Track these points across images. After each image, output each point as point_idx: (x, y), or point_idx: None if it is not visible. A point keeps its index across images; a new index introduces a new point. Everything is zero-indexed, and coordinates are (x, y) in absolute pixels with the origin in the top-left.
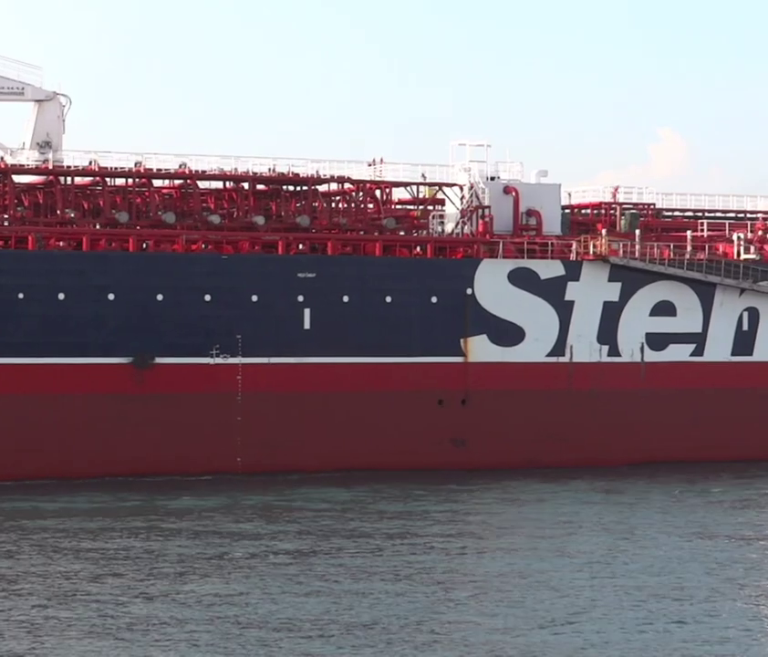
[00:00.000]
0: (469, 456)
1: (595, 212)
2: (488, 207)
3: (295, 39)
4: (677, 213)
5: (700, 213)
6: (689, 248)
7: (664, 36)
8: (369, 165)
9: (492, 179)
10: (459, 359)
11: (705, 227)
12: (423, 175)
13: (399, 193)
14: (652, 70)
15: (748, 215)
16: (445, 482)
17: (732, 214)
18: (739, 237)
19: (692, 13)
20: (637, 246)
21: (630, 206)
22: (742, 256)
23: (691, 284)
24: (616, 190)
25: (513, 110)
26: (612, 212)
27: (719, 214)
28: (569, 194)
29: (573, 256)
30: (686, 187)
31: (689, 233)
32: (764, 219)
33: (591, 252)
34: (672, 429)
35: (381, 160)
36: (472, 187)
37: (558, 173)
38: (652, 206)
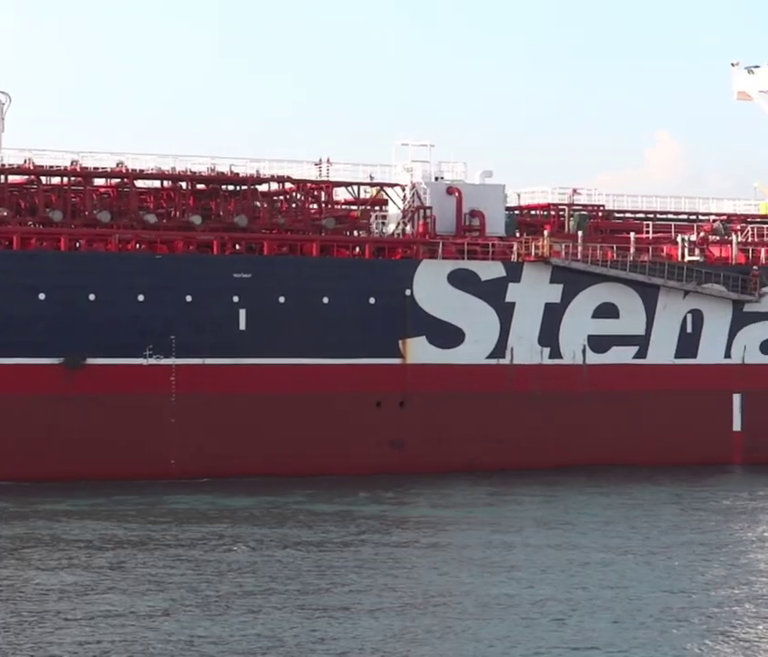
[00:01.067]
0: (407, 459)
1: (543, 213)
2: (429, 208)
3: (241, 38)
4: (628, 215)
5: (651, 215)
6: (632, 250)
7: (656, 40)
8: (316, 165)
9: (437, 179)
10: (397, 361)
11: (651, 229)
12: (371, 176)
13: (345, 194)
14: (650, 73)
15: (700, 217)
16: (382, 485)
17: (685, 216)
18: (683, 239)
19: (687, 16)
20: (579, 248)
21: (579, 208)
22: (687, 258)
23: (635, 286)
24: (573, 191)
25: (460, 110)
26: (561, 213)
27: (670, 216)
28: (518, 195)
29: (514, 258)
30: (681, 191)
31: (632, 234)
32: (712, 221)
33: (532, 253)
34: (615, 431)
35: (328, 160)
36: (413, 187)
37: (517, 174)
38: (602, 208)
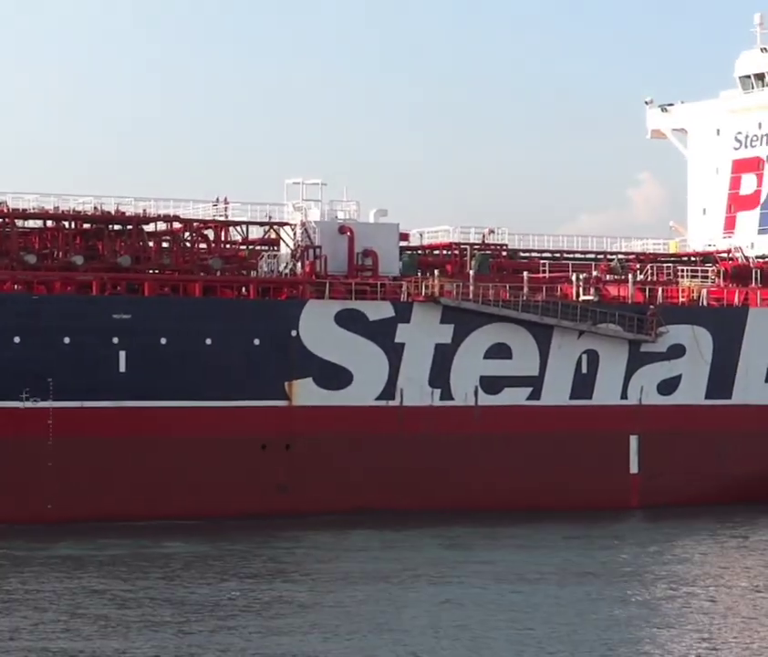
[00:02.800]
0: (294, 502)
1: (445, 253)
2: (319, 247)
3: (137, 75)
4: (534, 255)
5: (558, 254)
6: (525, 289)
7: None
8: (214, 205)
9: (335, 218)
10: (283, 403)
11: (547, 268)
12: (269, 216)
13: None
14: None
15: (608, 256)
16: (267, 530)
17: (593, 255)
18: (578, 278)
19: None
20: (470, 287)
21: (481, 247)
22: (581, 298)
23: (528, 326)
24: (487, 232)
25: (354, 150)
26: (464, 253)
27: (578, 255)
28: (421, 235)
29: (404, 297)
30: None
31: (525, 274)
32: (608, 260)
33: (422, 293)
34: (509, 475)
35: (225, 199)
36: (303, 226)
37: (430, 215)
38: (505, 247)
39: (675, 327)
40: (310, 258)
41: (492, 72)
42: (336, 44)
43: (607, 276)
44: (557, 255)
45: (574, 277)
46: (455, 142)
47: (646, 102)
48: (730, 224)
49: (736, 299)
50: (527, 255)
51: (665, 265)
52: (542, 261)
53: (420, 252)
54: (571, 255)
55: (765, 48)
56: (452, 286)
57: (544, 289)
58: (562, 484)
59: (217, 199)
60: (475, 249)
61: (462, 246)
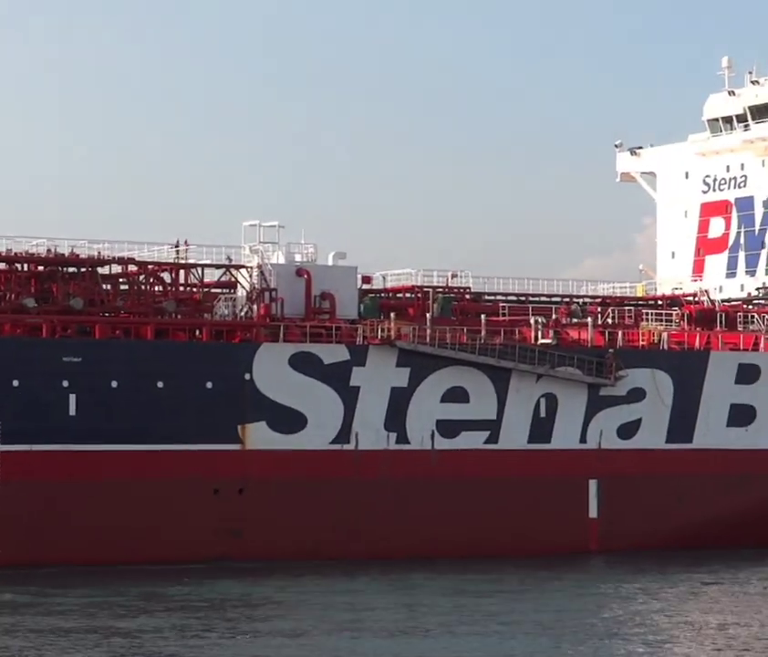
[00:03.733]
0: (247, 548)
1: (408, 296)
2: (274, 289)
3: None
4: (499, 298)
5: (523, 298)
6: (483, 332)
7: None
8: (174, 247)
9: (292, 261)
10: (236, 447)
11: (507, 311)
12: (229, 258)
13: (207, 276)
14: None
15: (574, 299)
16: (217, 575)
17: (558, 298)
18: (536, 321)
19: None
20: (427, 330)
21: (444, 290)
22: (540, 341)
23: (485, 369)
24: (450, 275)
25: (313, 192)
26: (427, 296)
27: (543, 298)
28: (384, 278)
29: (359, 341)
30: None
31: (482, 316)
32: (567, 303)
33: (378, 336)
34: (466, 520)
35: (186, 242)
36: (260, 269)
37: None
38: (468, 290)
39: (635, 370)
40: (266, 301)
41: (461, 111)
42: (304, 83)
43: (568, 320)
44: (523, 298)
45: (532, 321)
46: (421, 184)
47: (616, 146)
48: (698, 268)
49: (697, 343)
50: (493, 297)
51: (627, 308)
52: (501, 304)
53: (382, 295)
54: (536, 299)
55: (733, 92)
56: (409, 329)
57: (502, 332)
58: (520, 529)
59: (177, 242)
60: (438, 292)
61: (425, 289)
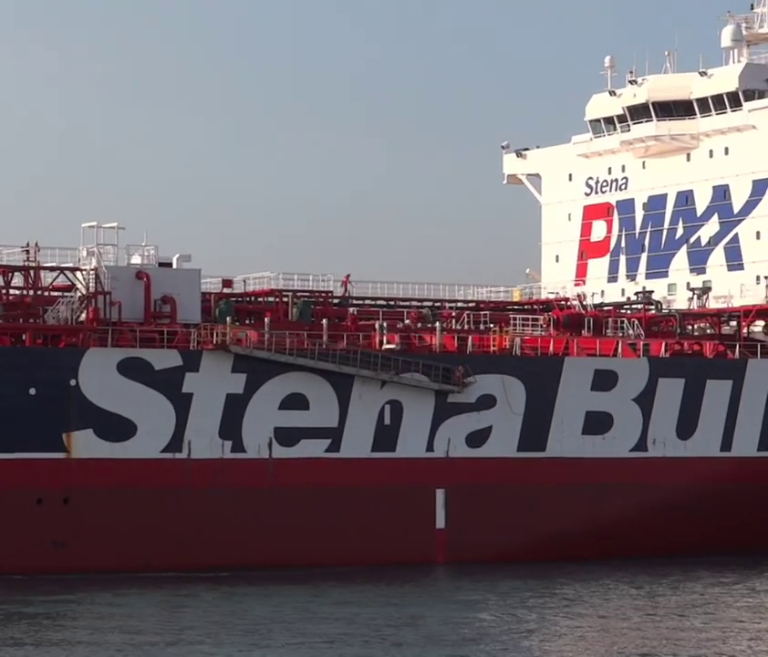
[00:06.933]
0: (72, 559)
1: (267, 299)
2: (108, 293)
3: None
4: (368, 302)
5: (392, 302)
6: (324, 337)
7: None
8: (24, 249)
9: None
10: (60, 455)
11: (356, 314)
12: (72, 261)
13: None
14: None
15: (448, 305)
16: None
17: (430, 303)
18: (381, 326)
19: None
20: (265, 335)
21: (306, 294)
22: (385, 346)
23: (326, 375)
24: (347, 279)
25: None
26: (285, 299)
27: (414, 303)
28: (244, 281)
29: (192, 345)
30: None
31: (324, 321)
32: (419, 308)
33: (212, 341)
34: (306, 530)
35: (36, 244)
36: (95, 271)
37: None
38: (330, 294)
39: (484, 376)
40: (99, 304)
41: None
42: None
43: (419, 325)
44: (392, 303)
45: (377, 326)
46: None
47: (502, 147)
48: (581, 271)
49: (551, 348)
50: (360, 302)
51: (483, 313)
52: (370, 309)
53: (239, 300)
54: (407, 303)
55: (614, 92)
56: (245, 334)
57: (344, 337)
58: (364, 540)
59: (27, 243)
60: (298, 296)
61: (284, 293)
